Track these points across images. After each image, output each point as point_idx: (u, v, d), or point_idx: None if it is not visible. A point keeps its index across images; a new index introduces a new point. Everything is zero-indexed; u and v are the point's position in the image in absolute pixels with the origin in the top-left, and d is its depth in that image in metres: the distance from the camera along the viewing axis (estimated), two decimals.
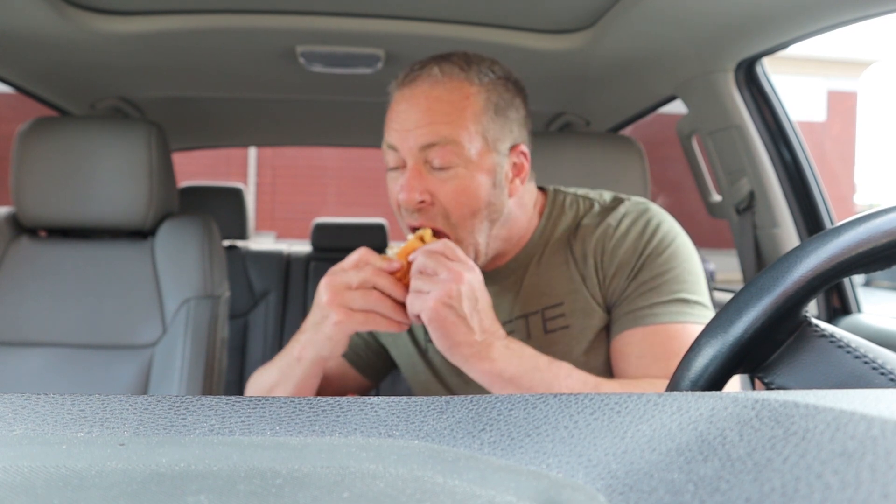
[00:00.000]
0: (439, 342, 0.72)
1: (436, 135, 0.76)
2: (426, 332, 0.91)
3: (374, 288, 0.73)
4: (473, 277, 0.72)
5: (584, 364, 0.83)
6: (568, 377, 0.73)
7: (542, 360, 0.74)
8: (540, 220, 0.90)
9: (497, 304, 0.87)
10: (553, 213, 0.90)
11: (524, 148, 0.84)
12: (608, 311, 0.84)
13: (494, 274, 0.89)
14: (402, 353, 0.96)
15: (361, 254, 0.75)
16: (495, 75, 0.81)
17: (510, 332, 0.85)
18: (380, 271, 0.73)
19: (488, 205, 0.80)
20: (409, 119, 0.78)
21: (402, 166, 0.80)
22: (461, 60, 0.80)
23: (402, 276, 0.75)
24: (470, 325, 0.71)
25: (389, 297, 0.74)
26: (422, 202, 0.78)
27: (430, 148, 0.77)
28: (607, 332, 0.85)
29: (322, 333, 0.76)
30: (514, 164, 0.83)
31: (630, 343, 0.79)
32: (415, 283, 0.73)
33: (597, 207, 0.89)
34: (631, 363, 0.79)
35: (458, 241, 0.80)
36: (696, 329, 0.76)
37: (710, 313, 0.80)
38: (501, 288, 0.89)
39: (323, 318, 0.75)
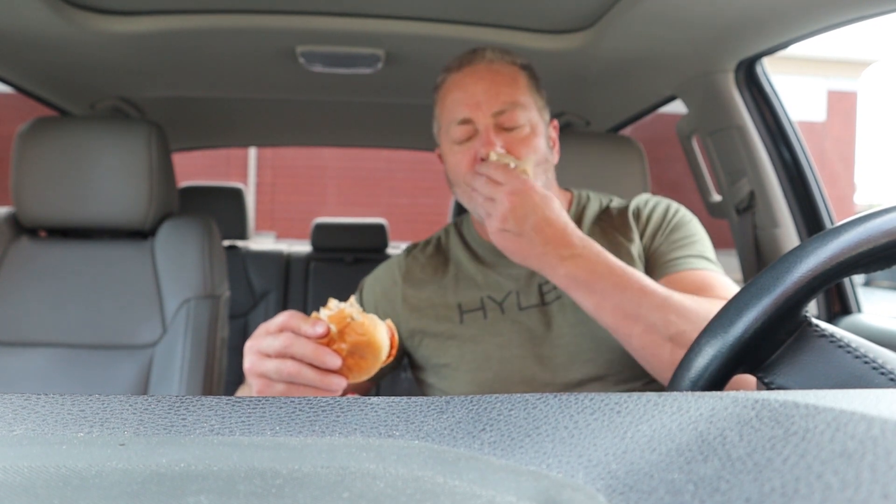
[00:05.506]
0: (512, 258, 0.81)
1: (505, 101, 0.89)
2: (461, 311, 0.94)
3: (293, 357, 0.64)
4: (524, 196, 0.79)
5: None
6: (641, 280, 0.76)
7: (616, 269, 0.77)
8: (570, 207, 1.02)
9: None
10: (580, 203, 1.03)
11: (556, 123, 1.00)
12: (646, 267, 0.94)
13: None
14: (433, 331, 0.96)
15: (284, 318, 0.66)
16: (523, 61, 0.95)
17: (553, 289, 0.94)
18: (298, 338, 0.64)
19: (545, 160, 0.93)
20: (477, 91, 0.89)
21: (471, 136, 0.90)
22: (498, 49, 0.94)
23: (329, 342, 0.65)
24: (529, 241, 0.78)
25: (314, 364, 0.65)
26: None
27: (500, 115, 0.88)
28: None
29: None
30: (551, 137, 0.97)
31: (671, 284, 0.85)
32: (478, 199, 0.82)
33: (616, 200, 1.03)
34: None
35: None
36: (726, 281, 0.86)
37: (728, 280, 0.89)
38: None
39: (248, 384, 0.69)
